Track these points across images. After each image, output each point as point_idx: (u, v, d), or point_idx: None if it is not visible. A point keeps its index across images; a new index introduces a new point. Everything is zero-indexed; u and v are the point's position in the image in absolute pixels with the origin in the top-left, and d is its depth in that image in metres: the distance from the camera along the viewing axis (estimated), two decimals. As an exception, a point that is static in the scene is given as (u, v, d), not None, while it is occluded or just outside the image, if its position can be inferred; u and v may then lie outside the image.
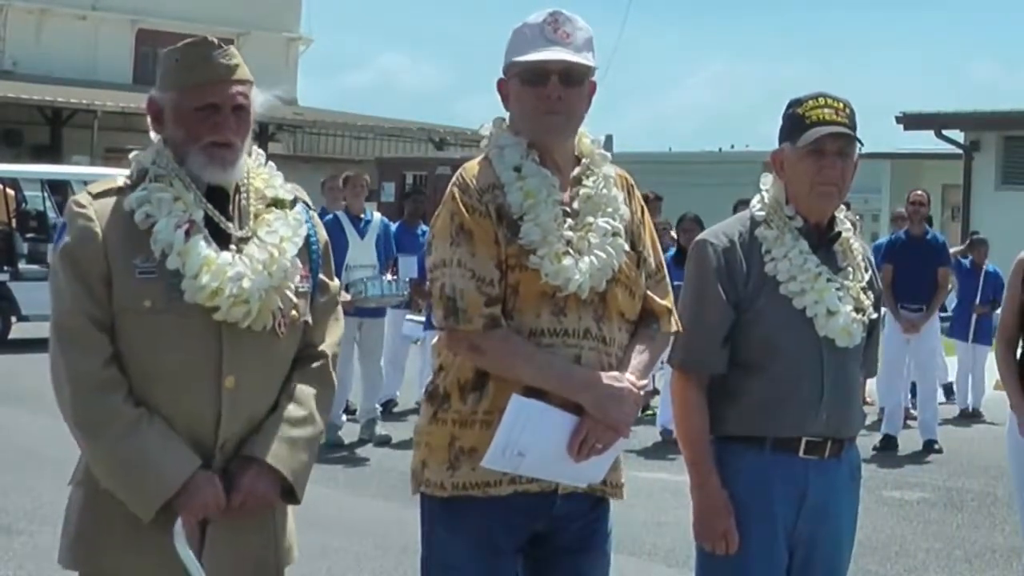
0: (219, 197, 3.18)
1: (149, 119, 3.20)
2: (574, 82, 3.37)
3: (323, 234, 3.38)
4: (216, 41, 3.17)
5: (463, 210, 3.31)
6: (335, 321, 3.36)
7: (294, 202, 3.29)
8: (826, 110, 3.64)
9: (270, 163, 3.33)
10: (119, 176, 3.21)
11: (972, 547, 7.91)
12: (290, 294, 3.18)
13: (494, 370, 3.31)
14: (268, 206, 3.24)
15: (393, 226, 11.93)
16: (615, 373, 3.33)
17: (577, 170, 3.44)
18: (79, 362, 3.05)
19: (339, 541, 7.32)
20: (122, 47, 37.60)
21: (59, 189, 21.69)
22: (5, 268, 17.02)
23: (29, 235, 18.79)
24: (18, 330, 16.78)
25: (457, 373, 3.36)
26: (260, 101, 3.24)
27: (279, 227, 3.20)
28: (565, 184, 3.40)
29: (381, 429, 10.87)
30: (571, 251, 3.32)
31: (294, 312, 3.20)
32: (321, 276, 3.32)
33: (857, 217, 3.87)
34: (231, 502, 3.09)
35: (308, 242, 3.28)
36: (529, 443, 3.24)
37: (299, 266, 3.21)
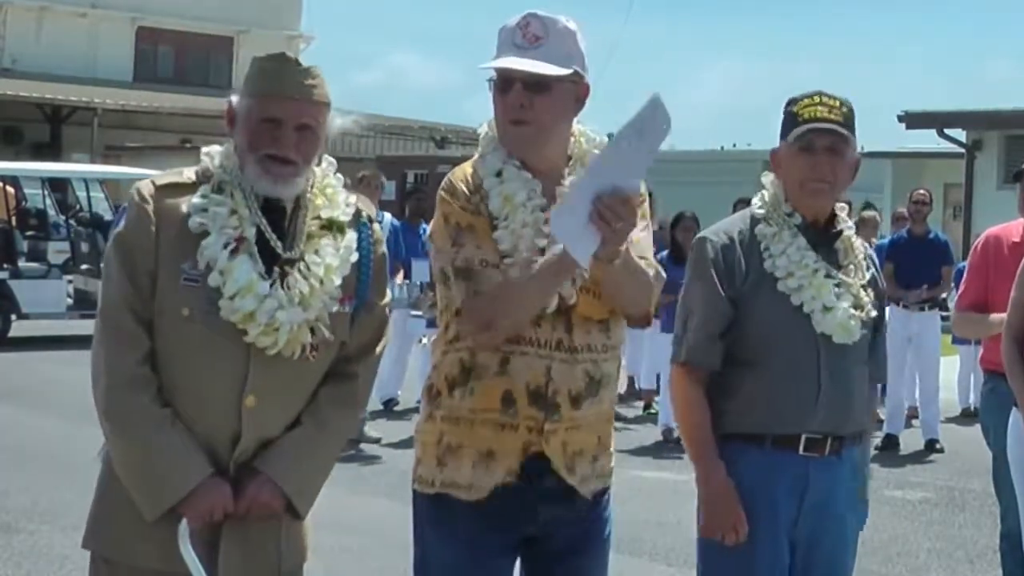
0: (276, 210, 3.16)
1: (225, 121, 3.20)
2: (541, 89, 3.25)
3: (380, 250, 3.32)
4: (297, 60, 3.17)
5: (458, 210, 3.28)
6: (378, 337, 3.32)
7: (353, 222, 3.24)
8: (819, 108, 3.62)
9: (338, 175, 3.28)
10: (186, 170, 3.21)
11: (974, 547, 7.88)
12: (323, 327, 3.15)
13: (506, 327, 3.22)
14: (323, 227, 3.20)
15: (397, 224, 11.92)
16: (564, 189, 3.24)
17: (566, 172, 3.36)
18: (117, 355, 3.09)
19: (339, 540, 7.29)
20: (122, 45, 37.63)
21: (59, 187, 21.73)
22: (5, 266, 16.98)
23: (29, 233, 18.82)
24: (18, 328, 16.74)
25: (446, 369, 3.35)
26: (337, 124, 3.22)
27: (327, 255, 3.17)
28: (550, 189, 3.32)
29: (371, 431, 10.57)
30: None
31: (328, 334, 3.17)
32: (369, 296, 3.28)
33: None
34: (236, 508, 3.12)
35: (359, 263, 3.24)
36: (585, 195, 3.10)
37: (339, 294, 3.18)
